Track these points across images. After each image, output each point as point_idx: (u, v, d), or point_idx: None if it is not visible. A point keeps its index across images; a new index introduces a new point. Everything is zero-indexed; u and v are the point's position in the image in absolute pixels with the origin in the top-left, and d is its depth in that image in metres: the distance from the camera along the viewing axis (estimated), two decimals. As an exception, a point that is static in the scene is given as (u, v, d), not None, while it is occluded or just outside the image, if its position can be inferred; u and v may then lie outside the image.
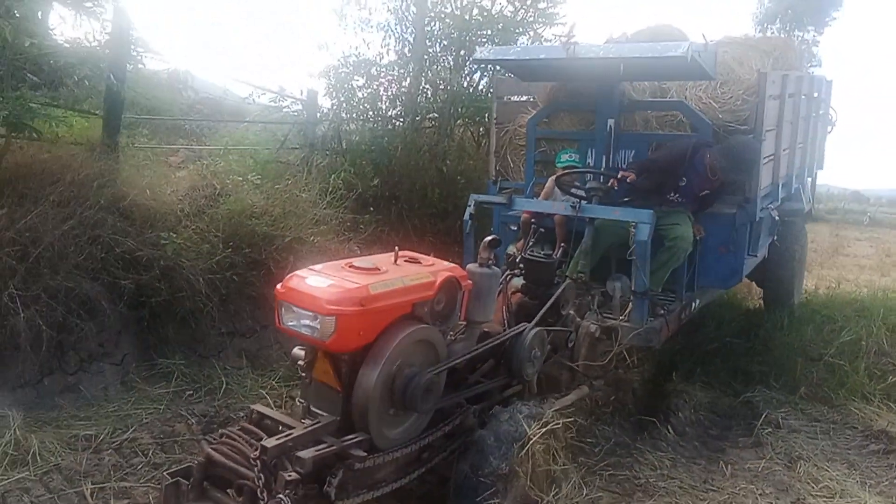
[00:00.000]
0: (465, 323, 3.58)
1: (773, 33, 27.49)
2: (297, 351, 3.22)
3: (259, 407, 3.06)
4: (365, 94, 8.30)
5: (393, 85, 8.34)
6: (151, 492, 3.52)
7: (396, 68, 8.38)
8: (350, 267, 3.08)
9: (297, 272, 3.08)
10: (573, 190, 4.98)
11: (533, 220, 5.07)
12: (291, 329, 2.97)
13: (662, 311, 4.92)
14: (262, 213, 5.67)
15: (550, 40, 8.57)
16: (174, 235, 4.93)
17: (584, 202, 4.78)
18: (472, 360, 3.59)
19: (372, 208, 7.18)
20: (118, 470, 3.71)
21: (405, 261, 3.29)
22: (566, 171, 5.15)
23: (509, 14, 8.33)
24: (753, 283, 7.53)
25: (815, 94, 7.05)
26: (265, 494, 2.54)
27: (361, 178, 7.20)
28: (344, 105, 8.07)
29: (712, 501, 4.09)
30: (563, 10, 8.82)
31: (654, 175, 4.96)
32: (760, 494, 4.17)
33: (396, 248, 3.34)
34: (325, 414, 2.96)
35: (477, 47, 7.70)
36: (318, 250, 5.73)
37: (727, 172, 4.85)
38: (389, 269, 3.12)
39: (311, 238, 5.73)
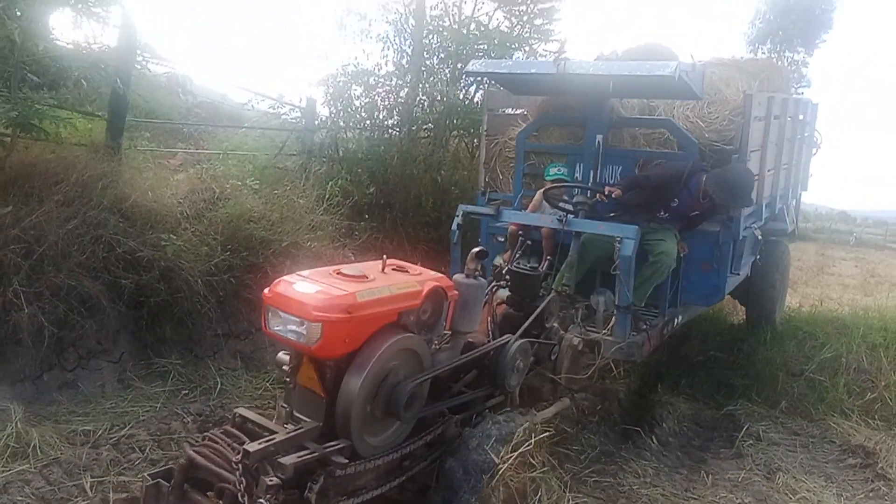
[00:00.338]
0: (449, 333, 3.59)
1: (764, 54, 27.87)
2: (282, 356, 3.23)
3: (242, 410, 3.07)
4: (362, 104, 8.43)
5: (390, 95, 8.48)
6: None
7: (394, 79, 8.53)
8: (338, 274, 3.08)
9: (285, 277, 3.09)
10: (560, 203, 5.01)
11: (520, 233, 5.16)
12: (277, 334, 2.98)
13: (645, 326, 4.96)
14: (260, 218, 5.78)
15: (545, 55, 8.75)
16: (174, 237, 5.02)
17: (570, 216, 4.80)
18: (456, 369, 3.60)
19: (367, 216, 7.29)
20: (116, 465, 3.79)
21: (393, 269, 3.31)
22: (554, 184, 5.21)
23: (506, 29, 8.50)
24: (737, 301, 7.65)
25: (801, 117, 7.16)
26: (246, 498, 2.54)
27: (357, 185, 7.32)
28: (342, 114, 8.18)
29: (693, 509, 4.22)
30: (558, 27, 9.01)
31: (645, 192, 5.03)
32: (740, 503, 4.31)
33: (384, 256, 3.38)
34: (307, 419, 2.96)
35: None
36: (314, 255, 5.84)
37: (721, 200, 4.88)
38: (377, 277, 3.13)
39: (308, 243, 5.84)
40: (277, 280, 3.08)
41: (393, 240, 7.50)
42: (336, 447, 2.82)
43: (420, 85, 8.40)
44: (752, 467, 4.82)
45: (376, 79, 8.44)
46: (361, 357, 2.93)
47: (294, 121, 8.03)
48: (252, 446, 2.63)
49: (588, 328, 4.64)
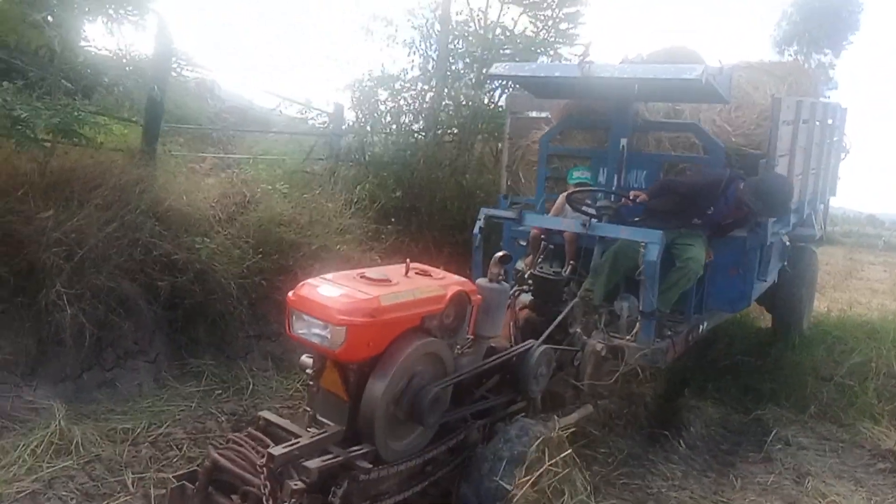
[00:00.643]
0: (472, 337, 3.57)
1: (790, 56, 27.65)
2: (305, 359, 3.24)
3: (266, 414, 3.08)
4: (388, 108, 8.53)
5: (416, 100, 8.56)
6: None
7: (419, 84, 8.62)
8: (362, 277, 3.08)
9: (309, 281, 3.09)
10: (584, 207, 4.96)
11: (542, 237, 5.13)
12: (302, 337, 2.98)
13: (670, 333, 4.89)
14: (290, 221, 5.89)
15: (570, 59, 8.79)
16: (208, 240, 5.13)
17: (594, 220, 4.72)
18: (478, 375, 3.58)
19: (393, 219, 7.37)
20: (155, 462, 3.89)
21: (416, 273, 3.30)
22: (577, 188, 5.18)
23: (531, 34, 8.54)
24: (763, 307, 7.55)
25: (830, 121, 7.08)
26: (271, 502, 2.55)
27: (383, 189, 7.40)
28: (368, 118, 8.28)
29: (722, 512, 4.23)
30: (583, 31, 9.04)
31: (678, 198, 4.93)
32: (769, 507, 4.31)
33: (408, 260, 3.37)
34: (330, 423, 2.96)
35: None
36: (343, 259, 5.92)
37: (758, 209, 4.83)
38: (400, 281, 3.13)
39: (337, 246, 5.93)
40: (301, 283, 3.08)
41: (419, 243, 7.57)
42: (360, 452, 2.83)
43: (445, 89, 8.47)
44: (781, 471, 4.80)
45: (402, 84, 8.53)
46: (385, 361, 2.93)
47: (322, 126, 8.14)
48: (277, 450, 2.64)
49: (611, 334, 4.59)
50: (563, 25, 8.71)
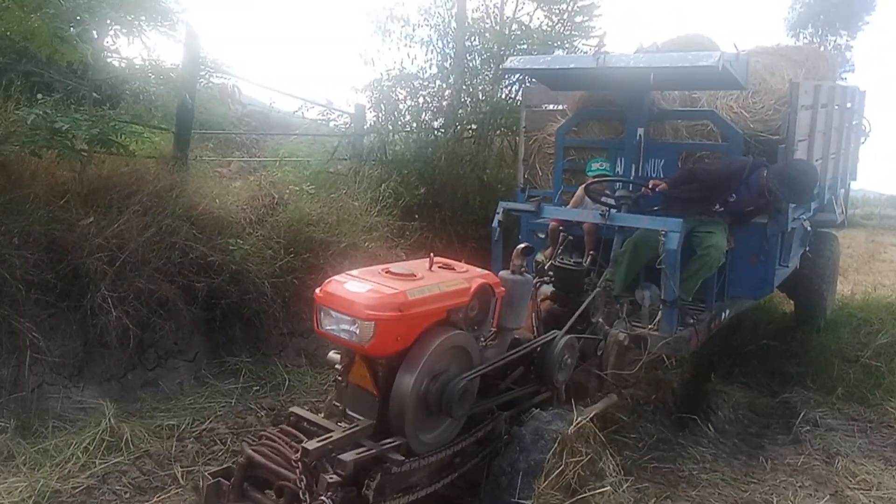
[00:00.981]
0: (496, 330, 3.58)
1: (805, 38, 27.40)
2: (333, 355, 3.28)
3: (297, 409, 3.11)
4: (407, 107, 8.64)
5: (435, 97, 8.66)
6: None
7: (438, 81, 8.72)
8: (387, 273, 3.10)
9: (336, 277, 3.12)
10: (603, 198, 4.97)
11: (561, 228, 5.15)
12: (330, 333, 2.99)
13: (692, 321, 4.88)
14: (318, 221, 6.03)
15: (585, 52, 8.83)
16: (241, 242, 5.28)
17: (612, 210, 4.72)
18: (503, 366, 3.59)
19: (417, 216, 7.48)
20: (202, 456, 4.05)
21: (439, 267, 3.33)
22: (596, 179, 5.17)
23: (547, 28, 8.61)
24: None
25: (849, 105, 7.03)
26: (307, 496, 2.56)
27: (407, 187, 7.52)
28: (389, 118, 8.40)
29: (754, 493, 4.30)
30: (599, 24, 9.09)
31: (699, 186, 4.94)
32: (800, 487, 4.36)
33: (431, 254, 3.40)
34: (360, 417, 2.98)
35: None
36: (370, 256, 6.05)
37: (784, 196, 4.83)
38: (425, 275, 3.15)
39: (365, 244, 6.06)
40: (328, 280, 3.12)
41: (442, 238, 7.69)
42: (392, 444, 2.85)
43: (463, 86, 8.57)
44: (810, 452, 4.87)
45: (421, 82, 8.64)
46: (413, 354, 2.96)
47: (344, 126, 8.27)
48: (311, 444, 2.67)
49: (633, 323, 4.58)
50: (578, 18, 8.79)
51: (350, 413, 3.04)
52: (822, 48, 26.49)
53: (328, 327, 2.99)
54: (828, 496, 4.25)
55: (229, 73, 5.67)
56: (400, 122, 8.54)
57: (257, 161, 7.70)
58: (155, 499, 3.59)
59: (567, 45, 8.94)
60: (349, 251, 5.90)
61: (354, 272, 3.13)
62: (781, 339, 6.86)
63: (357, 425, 2.90)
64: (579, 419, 3.37)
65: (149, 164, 5.40)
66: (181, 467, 3.87)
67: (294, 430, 2.95)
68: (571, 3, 8.72)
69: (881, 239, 18.42)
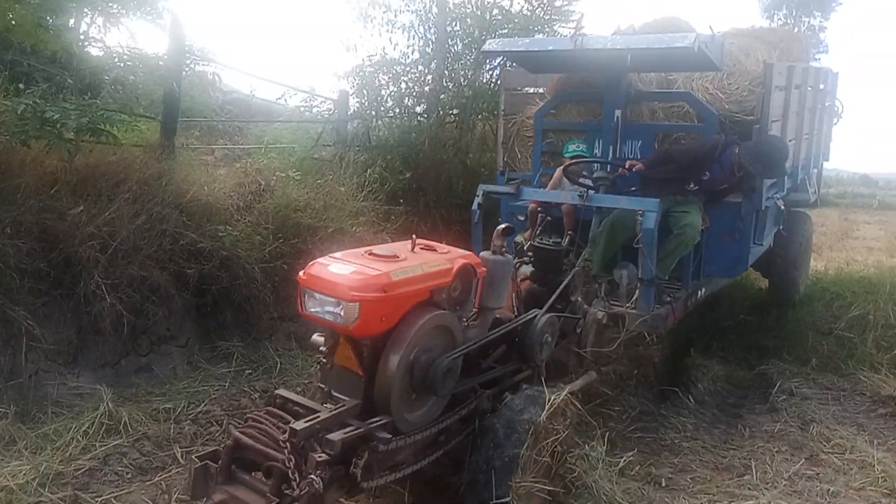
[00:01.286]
0: (477, 309, 3.59)
1: (780, 20, 27.70)
2: (317, 338, 3.28)
3: (283, 391, 3.13)
4: (390, 92, 8.69)
5: (417, 83, 8.72)
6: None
7: (420, 66, 8.77)
8: (370, 254, 3.11)
9: (319, 260, 3.11)
10: (581, 180, 5.00)
11: (540, 210, 5.22)
12: (314, 315, 3.00)
13: (669, 299, 4.97)
14: (305, 207, 6.11)
15: (566, 36, 8.92)
16: (230, 228, 5.34)
17: (591, 191, 4.78)
18: (485, 345, 3.63)
19: (402, 200, 7.56)
20: (199, 437, 4.16)
21: (421, 249, 3.34)
22: (573, 160, 5.19)
23: (528, 13, 8.69)
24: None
25: (822, 86, 7.11)
26: (297, 475, 2.58)
27: (391, 172, 7.59)
28: (372, 104, 8.45)
29: (733, 458, 4.49)
30: (578, 7, 9.19)
31: (676, 166, 5.01)
32: (777, 451, 4.56)
33: (413, 235, 3.40)
34: (346, 398, 2.98)
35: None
36: (358, 240, 6.13)
37: (757, 171, 4.90)
38: (408, 256, 3.17)
39: (353, 228, 6.14)
40: (311, 263, 3.12)
41: (427, 222, 7.77)
42: (379, 423, 2.88)
43: (446, 71, 8.64)
44: (786, 420, 5.08)
45: (403, 67, 8.68)
46: (398, 335, 2.97)
47: (328, 113, 8.32)
48: (299, 425, 2.68)
49: (612, 302, 4.64)
50: (558, 2, 8.87)
51: (335, 394, 3.05)
52: (795, 30, 26.82)
53: (312, 309, 3.00)
54: (803, 460, 4.45)
55: (214, 60, 5.70)
56: (383, 108, 8.59)
57: (241, 148, 7.73)
58: (156, 478, 3.68)
59: (547, 30, 9.01)
60: (336, 236, 5.97)
61: (337, 254, 3.14)
62: (758, 314, 7.08)
63: (343, 405, 2.91)
64: (552, 401, 3.36)
65: (136, 152, 5.43)
66: (180, 448, 3.97)
67: (280, 412, 2.95)
68: (551, -13, 8.80)
69: (854, 217, 18.83)
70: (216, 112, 9.58)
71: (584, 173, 5.08)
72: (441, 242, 3.65)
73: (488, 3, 8.61)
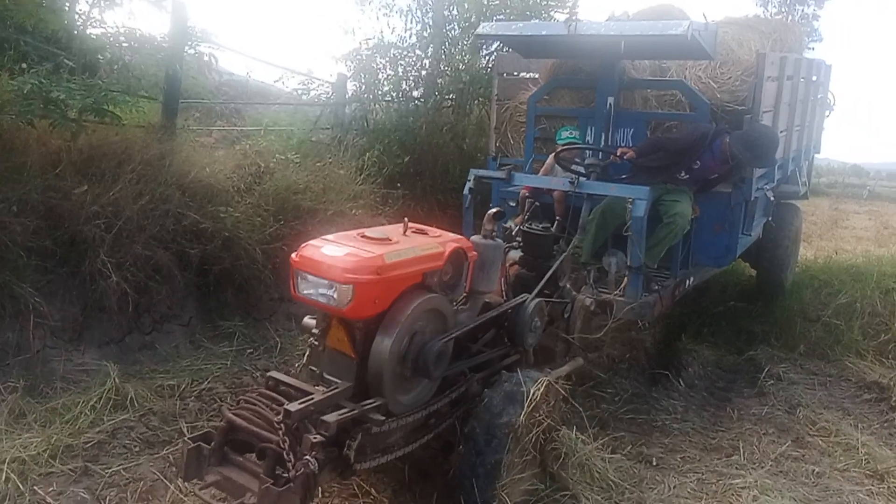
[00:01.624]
0: (467, 293, 3.63)
1: (773, 8, 27.77)
2: (308, 320, 3.31)
3: (275, 373, 3.12)
4: (387, 76, 8.74)
5: (414, 67, 8.76)
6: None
7: (417, 51, 8.82)
8: (363, 237, 3.11)
9: (312, 242, 3.10)
10: (573, 166, 4.98)
11: (528, 196, 5.25)
12: (307, 297, 2.99)
13: (657, 287, 4.99)
14: (305, 189, 6.16)
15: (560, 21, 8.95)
16: (231, 210, 5.41)
17: (582, 178, 4.74)
18: (475, 329, 3.66)
19: (399, 184, 7.64)
20: (204, 413, 4.25)
21: (413, 232, 3.36)
22: (566, 147, 5.19)
23: (524, -2, 8.75)
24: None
25: (814, 78, 7.10)
26: (291, 456, 2.59)
27: (389, 155, 7.66)
28: (369, 87, 8.49)
29: (721, 439, 4.64)
30: (575, -7, 9.22)
31: (667, 154, 5.06)
32: (764, 434, 4.72)
33: (406, 219, 3.41)
34: (338, 380, 2.98)
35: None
36: (356, 223, 6.20)
37: (747, 159, 4.90)
38: (401, 239, 3.18)
39: (352, 211, 6.22)
40: (304, 244, 3.10)
41: (424, 206, 7.85)
42: (373, 405, 2.90)
43: (443, 56, 8.68)
44: (774, 403, 5.23)
45: (400, 51, 8.72)
46: (391, 317, 2.99)
47: (326, 96, 8.36)
48: (293, 406, 2.69)
49: (600, 289, 4.67)
50: (555, -12, 8.92)
51: (327, 377, 3.06)
52: (789, 18, 26.89)
53: (305, 291, 3.00)
54: (789, 442, 4.61)
55: (212, 41, 5.74)
56: (380, 92, 8.64)
57: (238, 130, 7.76)
58: (164, 451, 3.78)
59: (544, 15, 9.07)
60: (336, 218, 6.04)
61: (330, 237, 3.15)
62: (748, 301, 7.22)
63: (336, 387, 2.92)
64: (531, 396, 3.33)
65: (138, 133, 5.47)
66: (185, 423, 4.06)
67: (273, 394, 2.94)
68: (548, -26, 8.85)
69: (844, 206, 19.07)
70: (213, 94, 9.59)
71: (577, 160, 5.09)
72: (437, 226, 3.69)
73: (486, -12, 8.65)
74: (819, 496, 3.94)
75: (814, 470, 4.21)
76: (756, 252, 7.01)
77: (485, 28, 5.38)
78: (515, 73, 6.65)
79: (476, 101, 9.00)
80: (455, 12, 8.83)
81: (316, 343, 3.20)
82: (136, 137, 5.37)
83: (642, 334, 6.33)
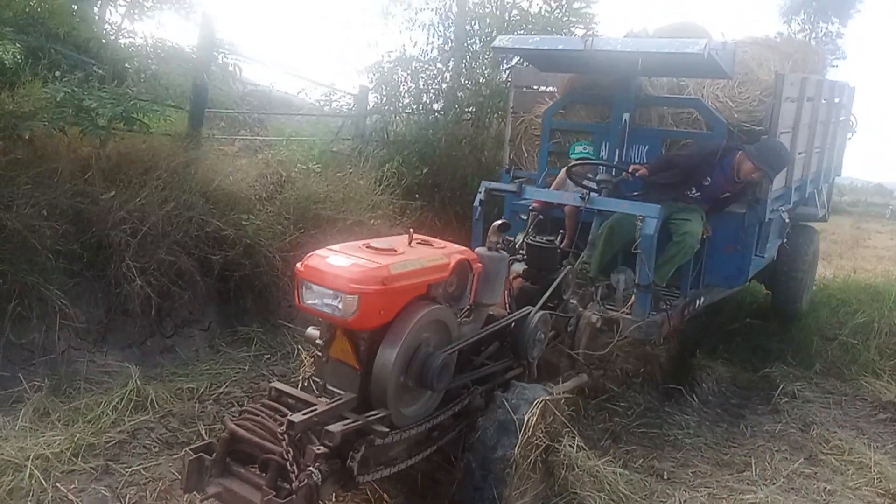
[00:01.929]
0: (471, 305, 3.60)
1: (797, 25, 27.69)
2: (312, 331, 3.29)
3: (278, 384, 3.11)
4: (408, 88, 8.86)
5: (435, 80, 8.88)
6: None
7: (438, 64, 8.94)
8: (368, 247, 3.09)
9: (317, 252, 3.09)
10: (585, 181, 4.97)
11: (531, 209, 5.26)
12: (311, 307, 2.97)
13: (665, 306, 4.96)
14: (325, 199, 6.28)
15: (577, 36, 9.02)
16: (253, 217, 5.51)
17: (593, 194, 4.76)
18: (479, 341, 3.64)
19: (418, 195, 7.72)
20: (221, 416, 4.32)
21: (418, 243, 3.34)
22: (578, 161, 5.18)
23: (546, 13, 8.84)
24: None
25: (837, 100, 7.03)
26: (295, 467, 2.57)
27: (408, 167, 7.76)
28: (391, 99, 8.62)
29: (734, 455, 4.65)
30: (597, 10, 9.33)
31: (679, 171, 5.06)
32: (777, 451, 4.72)
33: (411, 230, 3.42)
34: (341, 392, 2.97)
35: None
36: (374, 233, 6.30)
37: (764, 167, 4.86)
38: (406, 250, 3.17)
39: (370, 221, 6.32)
40: (309, 254, 3.11)
41: (442, 217, 7.95)
42: (377, 416, 2.87)
43: (463, 69, 8.79)
44: (787, 421, 5.23)
45: (421, 64, 8.84)
46: (395, 328, 2.96)
47: (348, 108, 8.49)
48: (296, 417, 2.67)
49: (608, 306, 4.66)
50: (576, 4, 8.99)
51: (331, 387, 3.05)
52: (813, 35, 26.78)
53: (310, 301, 2.97)
54: (802, 459, 4.61)
55: (238, 53, 5.88)
56: (401, 104, 8.76)
57: (261, 139, 7.91)
58: (182, 452, 3.85)
59: (565, 31, 9.15)
60: (355, 228, 6.14)
61: (335, 247, 3.13)
62: (764, 319, 7.21)
63: (340, 399, 2.90)
64: (525, 426, 3.25)
65: (164, 141, 5.62)
66: (204, 426, 4.15)
67: (276, 405, 2.93)
68: (569, -11, 8.94)
69: (866, 226, 18.91)
70: (237, 104, 9.77)
71: (589, 175, 5.07)
72: (454, 238, 3.74)
73: (507, 3, 8.76)
74: (829, 514, 3.94)
75: (825, 487, 4.21)
76: (772, 274, 6.94)
77: (501, 41, 5.37)
78: (533, 87, 6.68)
79: (495, 115, 9.08)
80: (476, 27, 8.95)
81: (320, 354, 3.18)
82: (162, 145, 5.52)
83: (657, 350, 6.35)
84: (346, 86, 8.69)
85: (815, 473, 4.43)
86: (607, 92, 5.60)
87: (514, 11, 8.81)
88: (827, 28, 28.04)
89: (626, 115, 5.35)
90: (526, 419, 3.24)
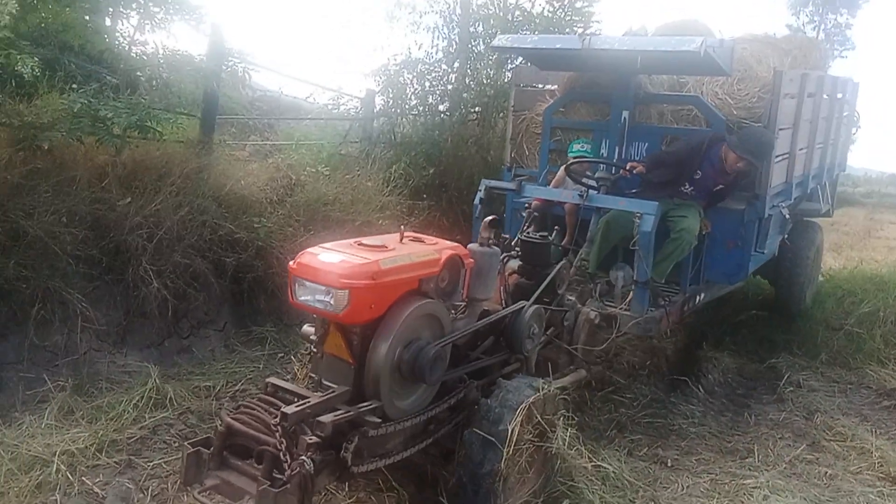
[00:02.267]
0: (465, 301, 3.66)
1: (805, 17, 27.60)
2: (307, 328, 3.39)
3: (273, 380, 3.17)
4: (414, 90, 9.00)
5: (440, 82, 9.02)
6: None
7: (443, 66, 9.07)
8: (359, 244, 3.16)
9: (310, 249, 3.15)
10: (584, 179, 5.00)
11: (527, 207, 5.32)
12: (304, 304, 3.03)
13: (664, 302, 4.98)
14: (334, 201, 6.43)
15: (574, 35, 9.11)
16: (264, 220, 5.68)
17: (591, 191, 4.79)
18: (474, 336, 3.69)
19: (425, 196, 7.86)
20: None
21: (410, 240, 3.40)
22: (576, 160, 5.22)
23: (549, 14, 8.95)
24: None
25: (839, 95, 7.00)
26: (288, 457, 2.63)
27: (415, 168, 7.90)
28: (397, 102, 8.76)
29: (737, 443, 4.75)
30: (598, 8, 9.43)
31: (670, 168, 5.07)
32: (780, 438, 4.81)
33: (402, 227, 3.48)
34: (336, 386, 3.02)
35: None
36: (384, 233, 6.44)
37: (749, 156, 4.80)
38: (396, 246, 3.22)
39: (379, 222, 6.46)
40: (302, 252, 3.16)
41: (449, 217, 8.08)
42: (368, 407, 2.92)
43: (468, 70, 8.92)
44: (792, 409, 5.31)
45: (426, 66, 8.98)
46: (387, 322, 3.02)
47: (355, 111, 8.65)
48: (289, 409, 2.73)
49: (607, 303, 4.70)
50: (578, 4, 9.10)
51: (325, 382, 3.11)
52: (821, 27, 26.68)
53: (302, 298, 3.03)
54: (805, 446, 4.70)
55: (247, 60, 6.03)
56: (407, 106, 8.90)
57: (271, 144, 8.08)
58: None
59: (568, 31, 9.25)
60: (364, 229, 6.27)
61: (328, 244, 3.20)
62: (770, 310, 7.27)
63: (334, 391, 2.96)
64: (510, 438, 3.19)
65: (177, 148, 5.78)
66: (220, 422, 4.29)
67: (272, 399, 3.00)
68: (572, -11, 9.05)
69: (879, 216, 18.83)
70: (246, 109, 9.95)
71: (588, 173, 5.10)
72: (461, 237, 3.84)
73: (510, 4, 8.87)
74: (830, 497, 4.03)
75: (826, 472, 4.30)
76: (774, 270, 6.95)
77: (500, 41, 5.42)
78: (534, 85, 6.75)
79: (500, 115, 9.19)
80: (480, 28, 9.08)
81: (315, 350, 3.26)
82: (175, 152, 5.69)
83: (664, 342, 6.45)
84: (353, 89, 8.85)
85: (817, 459, 4.52)
86: (607, 90, 5.65)
87: (518, 12, 8.93)
88: (836, 19, 27.98)
89: (625, 113, 5.41)
90: (510, 430, 3.20)
